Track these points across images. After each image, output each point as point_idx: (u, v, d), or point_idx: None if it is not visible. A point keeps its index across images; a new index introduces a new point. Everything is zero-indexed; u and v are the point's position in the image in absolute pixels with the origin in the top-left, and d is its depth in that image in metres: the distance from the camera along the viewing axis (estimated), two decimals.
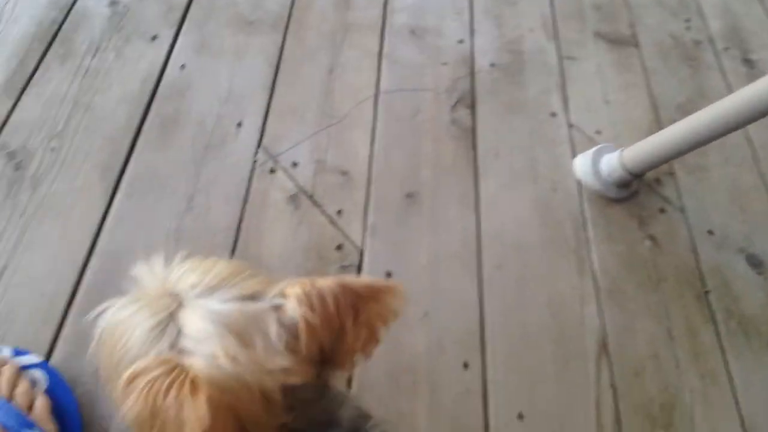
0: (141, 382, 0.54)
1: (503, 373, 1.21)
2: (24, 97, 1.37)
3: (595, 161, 1.49)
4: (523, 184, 1.48)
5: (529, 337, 1.26)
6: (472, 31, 1.78)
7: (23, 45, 1.45)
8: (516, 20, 1.84)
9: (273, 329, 0.60)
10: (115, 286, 1.13)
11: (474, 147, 1.53)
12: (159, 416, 0.54)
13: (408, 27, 1.74)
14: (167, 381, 0.54)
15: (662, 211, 1.50)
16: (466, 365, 1.20)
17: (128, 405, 0.54)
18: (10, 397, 0.94)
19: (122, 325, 0.62)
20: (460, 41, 1.75)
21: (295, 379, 0.60)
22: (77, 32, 1.51)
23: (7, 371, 0.98)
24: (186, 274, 0.65)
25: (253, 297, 0.62)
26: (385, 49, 1.69)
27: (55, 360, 1.09)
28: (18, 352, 1.05)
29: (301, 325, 0.60)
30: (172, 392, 0.54)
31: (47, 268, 1.18)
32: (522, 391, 1.20)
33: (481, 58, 1.72)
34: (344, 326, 0.62)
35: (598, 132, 1.61)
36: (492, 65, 1.71)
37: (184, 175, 1.34)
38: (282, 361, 0.59)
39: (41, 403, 0.96)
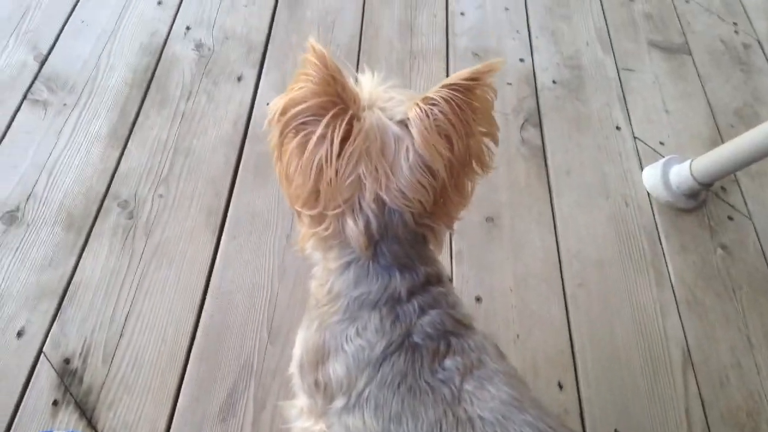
0: None
1: (596, 390, 1.17)
2: (129, 146, 1.34)
3: (665, 173, 1.43)
4: (595, 201, 1.43)
5: (617, 352, 1.22)
6: (531, 50, 1.71)
7: (122, 93, 1.42)
8: (572, 35, 1.76)
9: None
10: (229, 325, 1.13)
11: (545, 166, 1.47)
12: None
13: (470, 50, 1.68)
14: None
15: (730, 218, 1.43)
16: (560, 385, 1.17)
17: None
18: None
19: None
20: (521, 60, 1.68)
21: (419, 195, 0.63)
22: (170, 77, 1.47)
23: None
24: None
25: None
26: (452, 73, 1.63)
27: (181, 403, 1.06)
28: None
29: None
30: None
31: (166, 312, 1.15)
32: (616, 407, 1.16)
33: (543, 76, 1.65)
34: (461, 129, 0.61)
35: (662, 143, 1.54)
36: (554, 82, 1.64)
37: (281, 213, 1.31)
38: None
39: None
